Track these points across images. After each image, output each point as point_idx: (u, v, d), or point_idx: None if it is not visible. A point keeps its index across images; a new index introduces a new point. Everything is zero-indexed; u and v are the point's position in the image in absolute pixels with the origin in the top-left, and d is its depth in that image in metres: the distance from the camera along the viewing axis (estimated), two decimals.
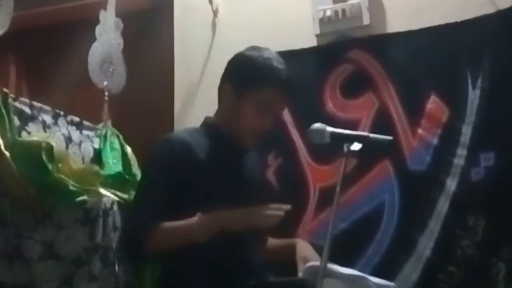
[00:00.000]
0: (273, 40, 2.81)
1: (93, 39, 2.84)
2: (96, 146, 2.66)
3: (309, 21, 2.98)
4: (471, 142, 2.66)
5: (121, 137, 2.76)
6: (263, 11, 3.08)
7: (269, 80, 2.22)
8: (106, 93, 2.81)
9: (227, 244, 2.09)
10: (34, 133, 2.37)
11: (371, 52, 2.86)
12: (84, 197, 2.32)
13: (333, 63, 2.90)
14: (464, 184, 2.65)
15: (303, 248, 2.34)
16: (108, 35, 2.85)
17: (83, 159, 2.57)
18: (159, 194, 2.16)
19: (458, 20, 2.74)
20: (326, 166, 2.82)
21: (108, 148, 2.67)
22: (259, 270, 2.21)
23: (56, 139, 2.41)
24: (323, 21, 2.95)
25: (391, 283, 2.18)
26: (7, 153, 2.18)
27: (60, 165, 2.33)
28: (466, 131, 2.68)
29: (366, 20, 2.90)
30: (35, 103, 2.44)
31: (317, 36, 2.97)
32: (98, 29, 2.85)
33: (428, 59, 2.77)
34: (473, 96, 2.69)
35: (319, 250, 2.24)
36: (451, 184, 2.66)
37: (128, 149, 2.75)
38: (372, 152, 2.46)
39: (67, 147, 2.50)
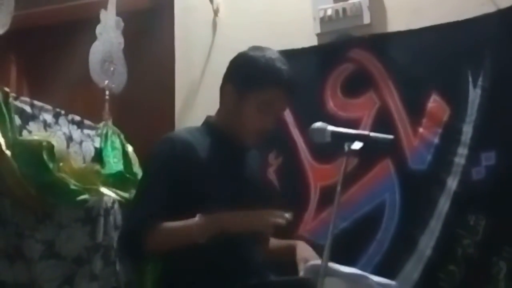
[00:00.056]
0: (273, 39, 2.81)
1: (94, 38, 2.84)
2: (97, 145, 2.66)
3: (310, 20, 2.98)
4: (472, 141, 2.66)
5: (122, 136, 2.76)
6: (263, 10, 3.08)
7: (272, 80, 2.22)
8: (107, 92, 2.81)
9: (228, 243, 2.09)
10: (35, 132, 2.37)
11: (371, 51, 2.86)
12: (85, 196, 2.32)
13: (334, 62, 2.90)
14: (465, 183, 2.65)
15: (303, 249, 2.34)
16: (108, 34, 2.85)
17: (84, 158, 2.57)
18: (159, 193, 2.16)
19: (459, 19, 2.74)
20: (327, 165, 2.82)
21: (109, 147, 2.67)
22: (260, 270, 2.21)
23: (57, 138, 2.41)
24: (324, 20, 2.95)
25: (392, 282, 2.17)
26: (8, 152, 2.18)
27: (61, 164, 2.33)
28: (467, 130, 2.68)
29: (366, 19, 2.90)
30: (36, 102, 2.44)
31: (317, 35, 2.97)
32: (98, 28, 2.85)
33: (429, 58, 2.77)
34: (474, 95, 2.69)
35: (320, 249, 2.24)
36: (452, 183, 2.66)
37: (129, 148, 2.75)
38: (373, 151, 2.44)
39: (68, 146, 2.51)
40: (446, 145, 2.70)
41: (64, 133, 2.51)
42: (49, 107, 2.49)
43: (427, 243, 2.65)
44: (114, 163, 2.62)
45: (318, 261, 2.07)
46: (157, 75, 3.21)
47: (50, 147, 2.28)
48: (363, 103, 2.84)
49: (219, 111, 2.35)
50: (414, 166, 2.73)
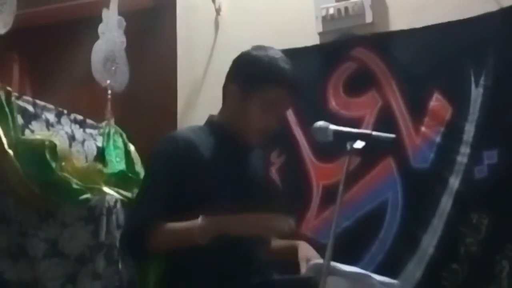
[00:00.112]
0: (275, 38, 2.81)
1: (96, 37, 2.84)
2: (99, 144, 2.67)
3: (312, 19, 2.98)
4: (474, 140, 2.66)
5: (124, 135, 2.77)
6: (265, 9, 3.08)
7: (275, 80, 2.21)
8: (109, 91, 2.81)
9: (230, 243, 2.09)
10: (37, 132, 2.37)
11: (374, 50, 2.86)
12: (88, 195, 2.32)
13: (336, 61, 2.90)
14: (467, 182, 2.65)
15: (305, 249, 2.34)
16: (111, 33, 2.86)
17: (86, 157, 2.58)
18: (162, 192, 2.15)
19: (461, 18, 2.74)
20: (329, 164, 2.82)
21: (111, 146, 2.67)
22: (263, 268, 2.21)
23: (59, 138, 2.41)
24: (326, 19, 2.95)
25: (395, 281, 2.17)
26: (10, 152, 2.19)
27: (63, 163, 2.34)
28: (469, 129, 2.68)
29: (369, 18, 2.90)
30: (38, 102, 2.45)
31: (320, 34, 2.97)
32: (101, 28, 2.86)
33: (431, 57, 2.76)
34: (476, 94, 2.69)
35: (322, 248, 2.24)
36: (455, 182, 2.66)
37: (131, 147, 2.75)
38: (375, 150, 2.45)
39: (70, 145, 2.51)
40: (449, 144, 2.70)
41: (67, 132, 2.52)
42: (51, 106, 2.50)
43: (429, 242, 2.65)
44: (117, 162, 2.63)
45: (320, 260, 2.07)
46: (159, 74, 3.21)
47: (53, 146, 2.29)
48: (365, 102, 2.84)
49: (222, 110, 2.34)
50: (417, 164, 2.73)
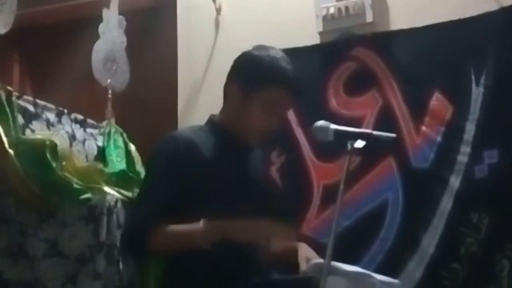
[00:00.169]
0: (276, 37, 2.81)
1: (97, 37, 2.84)
2: (100, 144, 2.67)
3: (312, 19, 2.98)
4: (475, 140, 2.66)
5: (124, 135, 2.77)
6: (266, 9, 3.08)
7: (276, 80, 2.21)
8: (110, 91, 2.82)
9: (231, 243, 2.09)
10: (38, 131, 2.37)
11: (374, 49, 2.86)
12: (88, 195, 2.32)
13: (337, 61, 2.90)
14: (467, 181, 2.65)
15: (305, 250, 2.34)
16: (111, 33, 2.86)
17: (87, 157, 2.58)
18: (162, 192, 2.15)
19: (462, 17, 2.74)
20: (329, 163, 2.82)
21: (112, 146, 2.67)
22: (263, 268, 2.21)
23: (60, 137, 2.41)
24: (326, 19, 2.95)
25: (395, 280, 2.17)
26: (11, 151, 2.18)
27: (64, 163, 2.34)
28: (470, 129, 2.68)
29: (369, 18, 2.90)
30: (38, 101, 2.45)
31: (320, 33, 2.97)
32: (101, 27, 2.85)
33: (432, 56, 2.76)
34: (477, 93, 2.69)
35: (322, 247, 2.24)
36: (455, 181, 2.66)
37: (132, 147, 2.75)
38: (375, 150, 2.45)
39: (71, 145, 2.51)
40: (449, 143, 2.70)
41: (67, 132, 2.52)
42: (52, 106, 2.50)
43: (430, 242, 2.65)
44: (117, 162, 2.63)
45: (321, 260, 2.07)
46: (159, 74, 3.21)
47: (53, 146, 2.29)
48: (366, 101, 2.84)
49: (223, 110, 2.34)
50: (417, 164, 2.73)
